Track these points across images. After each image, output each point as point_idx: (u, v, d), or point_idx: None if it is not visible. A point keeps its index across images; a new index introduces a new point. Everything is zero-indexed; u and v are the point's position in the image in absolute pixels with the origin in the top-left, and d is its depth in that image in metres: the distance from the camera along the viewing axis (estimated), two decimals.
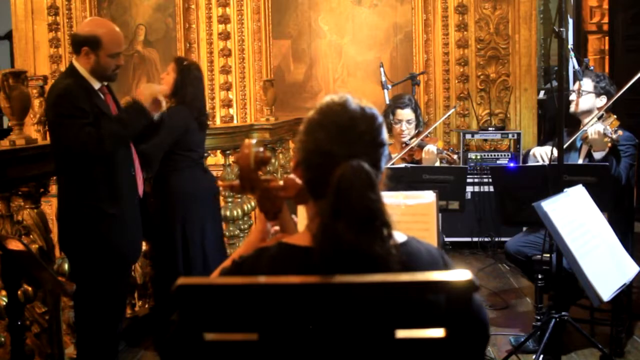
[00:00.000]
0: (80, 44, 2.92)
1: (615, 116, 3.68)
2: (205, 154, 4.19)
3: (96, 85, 2.96)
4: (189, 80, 3.52)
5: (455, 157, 3.82)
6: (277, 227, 1.52)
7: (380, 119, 1.31)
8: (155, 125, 3.22)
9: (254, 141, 1.41)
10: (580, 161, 3.67)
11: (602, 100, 3.67)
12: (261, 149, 1.41)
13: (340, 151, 1.23)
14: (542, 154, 3.65)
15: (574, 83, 3.79)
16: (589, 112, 3.68)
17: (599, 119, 3.61)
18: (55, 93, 2.87)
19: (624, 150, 3.51)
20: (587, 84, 3.68)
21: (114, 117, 2.94)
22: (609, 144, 3.42)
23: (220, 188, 3.90)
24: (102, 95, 2.98)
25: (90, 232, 2.90)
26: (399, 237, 1.30)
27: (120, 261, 3.01)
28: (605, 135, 3.41)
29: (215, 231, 3.69)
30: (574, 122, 3.80)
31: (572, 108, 3.71)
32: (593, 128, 3.48)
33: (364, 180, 1.18)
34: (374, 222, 1.18)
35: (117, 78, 3.03)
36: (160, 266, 3.65)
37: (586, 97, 3.66)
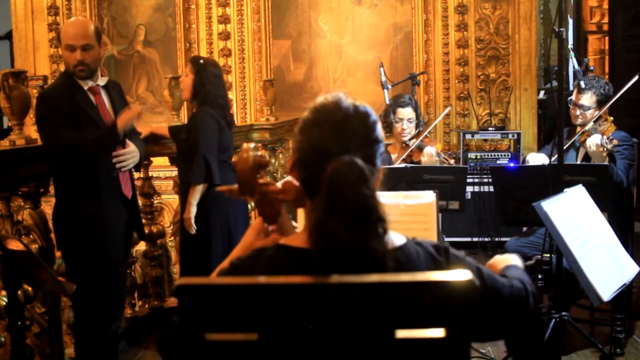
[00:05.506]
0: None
1: (612, 119, 3.63)
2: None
3: (86, 84, 2.96)
4: (206, 79, 3.41)
5: (452, 161, 3.83)
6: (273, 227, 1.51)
7: (374, 116, 1.30)
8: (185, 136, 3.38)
9: (252, 145, 1.41)
10: (578, 162, 3.66)
11: (605, 109, 3.63)
12: (259, 153, 1.40)
13: (334, 148, 1.22)
14: (536, 162, 3.61)
15: (573, 87, 3.72)
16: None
17: (595, 122, 3.59)
18: (39, 95, 2.97)
19: (620, 151, 3.47)
20: (589, 98, 3.60)
21: (80, 133, 2.89)
22: (605, 154, 3.38)
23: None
24: (90, 95, 2.97)
25: (72, 231, 2.94)
26: (397, 239, 1.29)
27: (103, 260, 2.98)
28: (601, 145, 3.37)
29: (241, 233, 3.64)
30: (572, 122, 3.78)
31: (574, 120, 3.68)
32: (592, 140, 3.40)
33: (357, 175, 1.17)
34: (369, 217, 1.16)
35: (84, 76, 2.91)
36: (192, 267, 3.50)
37: (588, 112, 3.63)
